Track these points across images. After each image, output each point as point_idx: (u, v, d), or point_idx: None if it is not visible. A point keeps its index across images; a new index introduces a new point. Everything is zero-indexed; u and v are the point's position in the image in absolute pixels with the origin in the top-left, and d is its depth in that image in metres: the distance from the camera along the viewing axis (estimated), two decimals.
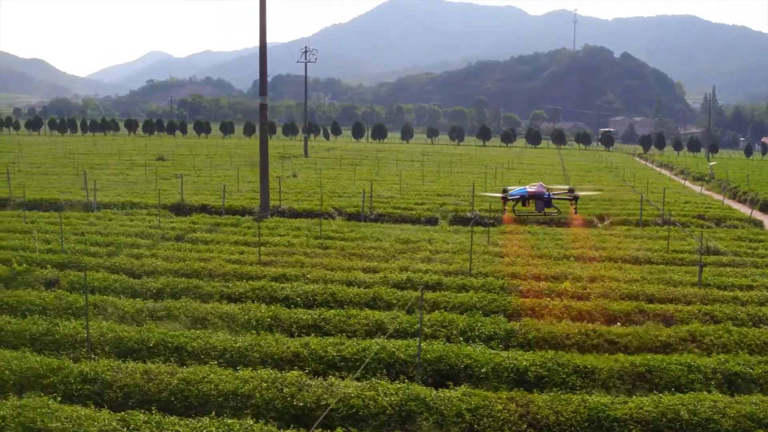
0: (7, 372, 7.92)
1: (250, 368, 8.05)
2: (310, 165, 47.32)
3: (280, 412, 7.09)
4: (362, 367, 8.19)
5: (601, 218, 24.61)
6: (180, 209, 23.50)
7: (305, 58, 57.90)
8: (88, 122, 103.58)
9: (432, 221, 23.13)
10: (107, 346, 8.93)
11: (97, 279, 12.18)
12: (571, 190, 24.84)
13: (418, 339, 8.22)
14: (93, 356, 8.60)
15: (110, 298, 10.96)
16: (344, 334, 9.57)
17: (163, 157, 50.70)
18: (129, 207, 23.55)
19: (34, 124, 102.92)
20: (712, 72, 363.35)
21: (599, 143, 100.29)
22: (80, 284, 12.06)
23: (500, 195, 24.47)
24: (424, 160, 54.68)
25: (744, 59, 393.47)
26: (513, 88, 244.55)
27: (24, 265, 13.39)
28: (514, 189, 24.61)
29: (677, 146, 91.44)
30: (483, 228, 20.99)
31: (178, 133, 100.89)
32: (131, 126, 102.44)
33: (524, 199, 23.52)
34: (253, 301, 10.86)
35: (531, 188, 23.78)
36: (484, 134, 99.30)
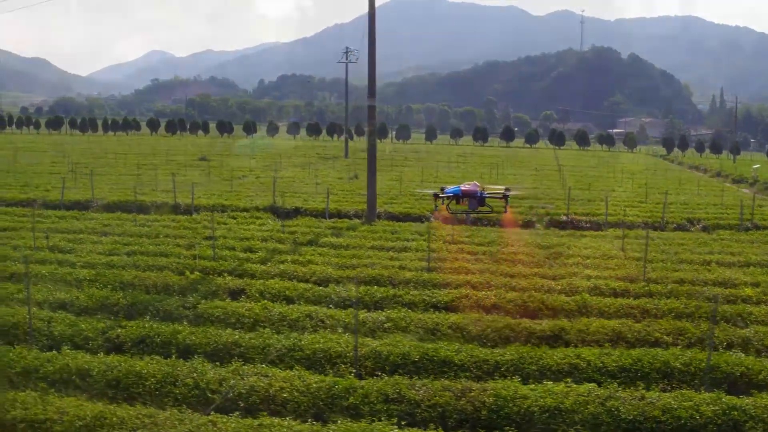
0: (296, 393, 7.69)
1: (533, 381, 8.11)
2: (357, 167, 47.15)
3: (610, 426, 7.12)
4: (643, 377, 8.29)
5: (690, 222, 24.87)
6: (277, 212, 23.52)
7: (346, 59, 58.03)
8: (110, 121, 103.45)
9: (529, 225, 23.21)
10: (368, 361, 8.80)
11: (287, 288, 12.17)
12: (507, 190, 25.41)
13: (708, 349, 8.27)
14: (376, 374, 8.53)
15: (322, 309, 10.92)
16: (587, 344, 9.62)
17: (206, 158, 50.57)
18: (221, 210, 23.52)
19: (54, 123, 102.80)
20: (714, 73, 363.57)
21: (623, 144, 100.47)
22: (270, 293, 12.00)
23: (432, 192, 24.92)
24: (467, 162, 54.74)
25: (746, 60, 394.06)
26: (520, 88, 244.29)
27: (196, 273, 13.41)
28: (449, 188, 25.06)
29: (700, 148, 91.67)
30: (593, 232, 21.10)
31: (200, 132, 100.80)
32: (153, 125, 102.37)
33: (458, 197, 23.87)
34: (477, 311, 10.90)
35: (465, 187, 24.20)
36: (507, 135, 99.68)
